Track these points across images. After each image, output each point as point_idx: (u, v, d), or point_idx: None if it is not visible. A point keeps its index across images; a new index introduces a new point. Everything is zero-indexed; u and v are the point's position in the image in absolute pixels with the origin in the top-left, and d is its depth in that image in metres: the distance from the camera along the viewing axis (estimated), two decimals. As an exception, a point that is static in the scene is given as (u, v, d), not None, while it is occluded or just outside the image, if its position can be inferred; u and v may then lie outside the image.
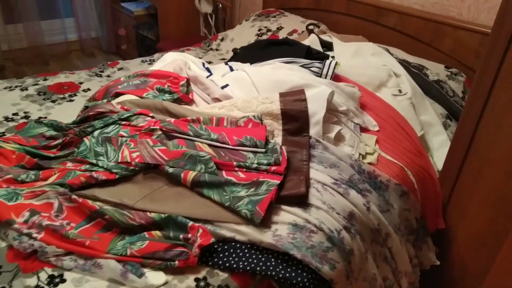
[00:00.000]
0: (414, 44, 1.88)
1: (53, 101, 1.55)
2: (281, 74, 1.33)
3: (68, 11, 3.41)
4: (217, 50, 2.12)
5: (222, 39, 2.18)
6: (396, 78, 1.53)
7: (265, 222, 0.93)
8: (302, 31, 2.01)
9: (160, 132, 1.10)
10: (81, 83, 1.72)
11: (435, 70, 1.71)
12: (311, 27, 2.00)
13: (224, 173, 1.02)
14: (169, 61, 1.41)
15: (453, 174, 1.26)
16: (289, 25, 2.10)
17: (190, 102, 1.29)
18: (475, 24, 1.73)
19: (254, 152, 1.09)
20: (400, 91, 1.47)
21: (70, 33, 3.48)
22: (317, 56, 1.52)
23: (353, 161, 1.15)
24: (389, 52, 1.72)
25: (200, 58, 2.04)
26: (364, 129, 1.30)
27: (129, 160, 1.03)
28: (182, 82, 1.30)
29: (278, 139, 1.18)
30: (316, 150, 1.15)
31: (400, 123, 1.33)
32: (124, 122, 1.13)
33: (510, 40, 1.06)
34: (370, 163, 1.19)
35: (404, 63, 1.65)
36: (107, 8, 3.37)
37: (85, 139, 1.10)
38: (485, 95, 1.14)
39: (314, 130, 1.18)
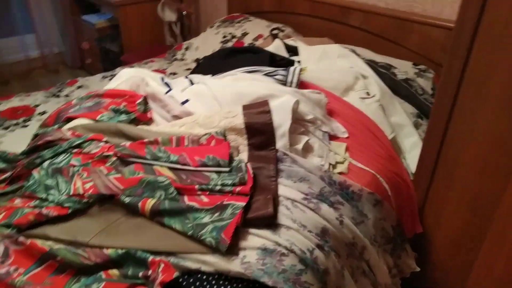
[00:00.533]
0: (380, 42, 1.86)
1: (6, 128, 1.45)
2: (244, 85, 1.27)
3: (27, 27, 3.26)
4: (182, 60, 2.05)
5: (187, 48, 2.11)
6: (363, 80, 1.49)
7: (232, 249, 0.87)
8: (268, 36, 1.96)
9: (114, 158, 1.03)
10: (37, 105, 1.63)
11: (403, 68, 1.69)
12: (275, 31, 1.95)
13: (186, 198, 0.96)
14: (125, 78, 1.34)
15: (427, 176, 1.22)
16: (254, 30, 2.05)
17: (149, 121, 1.22)
18: (440, 19, 1.72)
19: (218, 172, 1.03)
20: (368, 93, 1.43)
21: (31, 50, 3.33)
22: (281, 63, 1.46)
23: (323, 173, 1.10)
24: (356, 53, 1.68)
25: (165, 69, 1.96)
26: (333, 137, 1.25)
27: (81, 192, 0.96)
28: (139, 101, 1.23)
29: (243, 155, 1.12)
30: (284, 164, 1.10)
31: (370, 128, 1.30)
32: (75, 150, 1.05)
33: (474, 35, 1.03)
34: (341, 173, 1.14)
35: (371, 63, 1.62)
36: (68, 22, 3.24)
37: (33, 171, 1.02)
38: (453, 93, 1.11)
39: (281, 143, 1.13)
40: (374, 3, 1.91)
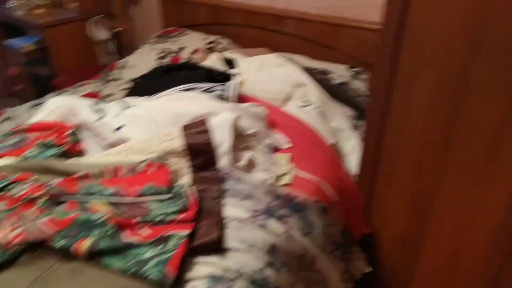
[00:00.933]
0: (316, 48, 1.90)
1: None
2: (181, 105, 1.24)
3: None
4: (117, 80, 1.96)
5: (122, 67, 2.03)
6: (301, 88, 1.51)
7: (179, 282, 0.83)
8: (205, 49, 1.94)
9: (45, 199, 0.95)
10: (-44, 144, 1.48)
11: (339, 72, 1.73)
12: (211, 44, 1.93)
13: (126, 233, 0.90)
14: (52, 108, 1.25)
15: (369, 177, 1.26)
16: (191, 44, 2.02)
17: (81, 153, 1.15)
18: (370, 22, 1.78)
19: (161, 201, 0.99)
20: (307, 101, 1.45)
21: (-49, 79, 3.06)
22: (219, 78, 1.45)
23: (268, 187, 1.09)
24: (293, 61, 1.70)
25: (99, 91, 1.87)
26: (276, 149, 1.25)
27: (9, 241, 0.87)
28: (69, 132, 1.15)
29: (186, 178, 1.09)
30: (229, 183, 1.08)
31: (311, 135, 1.31)
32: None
33: (399, 38, 1.06)
34: (286, 184, 1.14)
35: (308, 70, 1.65)
36: (-8, 47, 3.01)
37: (-50, 224, 0.92)
38: (385, 95, 1.14)
39: (224, 161, 1.11)
40: (306, 10, 1.94)
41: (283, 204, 1.07)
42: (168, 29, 2.30)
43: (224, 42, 2.03)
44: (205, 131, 1.11)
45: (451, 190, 1.08)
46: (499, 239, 1.03)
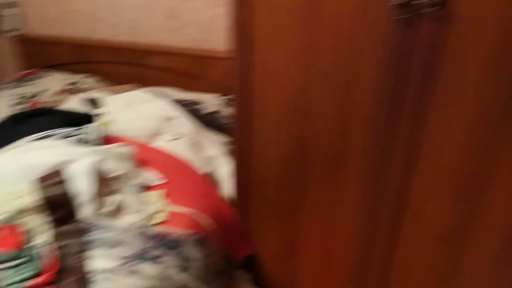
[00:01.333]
0: (186, 80, 1.93)
1: None
2: (33, 156, 1.13)
3: None
4: (-33, 134, 1.72)
5: (-28, 118, 1.79)
6: (172, 121, 1.51)
7: None
8: (67, 91, 1.83)
9: None
10: None
11: (211, 101, 1.79)
12: (75, 85, 1.83)
13: (-34, 315, 0.78)
14: None
15: (243, 200, 1.30)
16: (53, 85, 1.88)
17: None
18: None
19: (12, 267, 0.88)
20: (178, 134, 1.46)
21: None
22: (80, 121, 1.37)
23: (139, 229, 1.06)
24: (163, 95, 1.70)
25: None
26: (147, 187, 1.22)
27: None
28: None
29: (46, 235, 0.99)
30: (94, 233, 1.01)
31: (184, 168, 1.32)
32: None
33: (250, 67, 1.14)
34: (160, 223, 1.12)
35: (179, 102, 1.66)
36: None
37: None
38: (243, 121, 1.20)
39: (87, 210, 1.04)
40: (173, 44, 1.97)
41: (156, 244, 1.05)
42: (27, 71, 2.11)
43: (90, 81, 1.94)
44: (60, 182, 1.03)
45: (314, 201, 1.18)
46: (357, 239, 1.15)
